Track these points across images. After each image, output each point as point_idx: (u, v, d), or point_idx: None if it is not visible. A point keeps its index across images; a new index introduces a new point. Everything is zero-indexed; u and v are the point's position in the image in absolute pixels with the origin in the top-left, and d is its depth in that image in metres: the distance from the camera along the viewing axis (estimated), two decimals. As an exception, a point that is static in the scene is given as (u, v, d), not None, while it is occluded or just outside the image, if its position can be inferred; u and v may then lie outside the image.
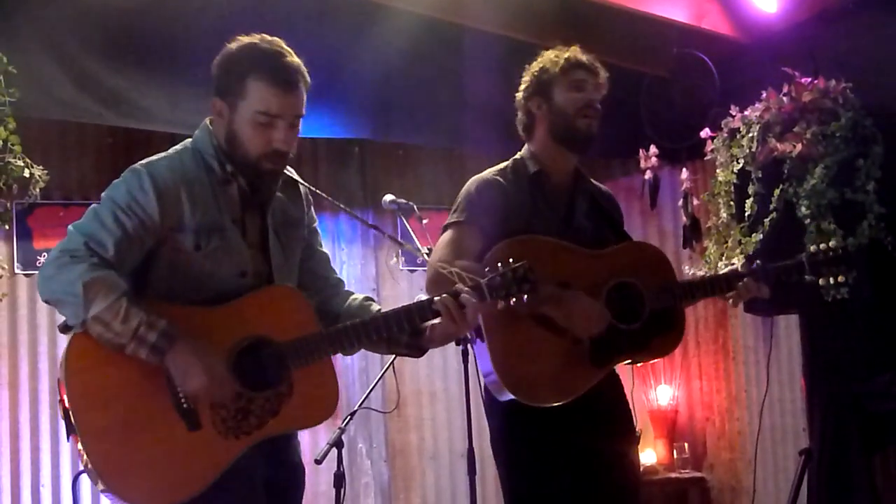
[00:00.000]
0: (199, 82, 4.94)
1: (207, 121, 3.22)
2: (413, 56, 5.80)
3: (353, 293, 3.46)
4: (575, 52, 3.93)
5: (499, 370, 3.63)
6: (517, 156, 3.98)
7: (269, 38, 3.14)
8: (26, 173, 4.66)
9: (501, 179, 3.86)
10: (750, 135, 5.58)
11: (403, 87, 6.13)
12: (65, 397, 2.91)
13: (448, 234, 3.78)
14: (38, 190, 4.77)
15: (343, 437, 4.38)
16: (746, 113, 5.65)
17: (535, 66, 3.95)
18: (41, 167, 4.75)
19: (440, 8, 5.57)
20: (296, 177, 3.38)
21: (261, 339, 3.08)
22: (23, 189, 4.72)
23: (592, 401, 3.71)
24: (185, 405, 2.94)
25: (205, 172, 3.14)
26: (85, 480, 6.14)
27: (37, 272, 6.09)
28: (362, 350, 3.33)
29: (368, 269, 7.12)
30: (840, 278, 3.98)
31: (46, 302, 3.04)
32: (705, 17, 6.16)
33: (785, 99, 5.49)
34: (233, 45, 3.14)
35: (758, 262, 3.96)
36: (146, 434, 2.92)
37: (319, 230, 3.53)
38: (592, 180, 4.09)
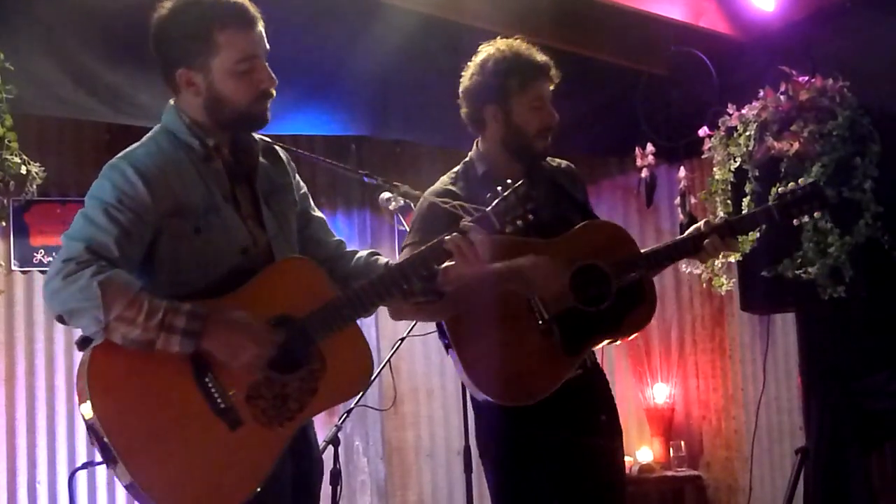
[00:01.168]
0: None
1: (171, 101, 3.13)
2: (411, 54, 5.80)
3: (356, 251, 3.35)
4: (531, 54, 3.84)
5: (473, 378, 3.65)
6: (467, 157, 3.95)
7: None
8: (23, 170, 4.64)
9: (452, 187, 3.83)
10: (747, 133, 5.59)
11: (401, 85, 6.12)
12: (96, 424, 2.73)
13: (405, 255, 3.75)
14: (34, 187, 4.75)
15: (339, 434, 4.38)
16: (744, 111, 5.65)
17: (489, 64, 3.84)
18: (38, 164, 4.74)
19: (439, 6, 5.56)
20: (268, 140, 3.26)
21: (281, 319, 2.94)
22: (20, 186, 4.70)
23: (577, 396, 3.72)
24: (221, 405, 2.82)
25: (184, 152, 3.02)
26: (81, 477, 6.15)
27: (34, 269, 6.21)
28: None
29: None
30: (816, 214, 3.86)
31: (59, 319, 2.82)
32: (703, 15, 6.16)
33: (782, 97, 5.49)
34: (166, 11, 3.01)
35: (721, 216, 3.92)
36: (189, 444, 2.80)
37: (309, 194, 3.38)
38: (547, 160, 4.01)
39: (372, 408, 6.09)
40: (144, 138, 3.10)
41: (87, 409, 2.76)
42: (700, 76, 6.36)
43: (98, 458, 5.99)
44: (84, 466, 6.11)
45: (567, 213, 3.91)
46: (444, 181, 3.89)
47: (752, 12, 6.06)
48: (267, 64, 3.03)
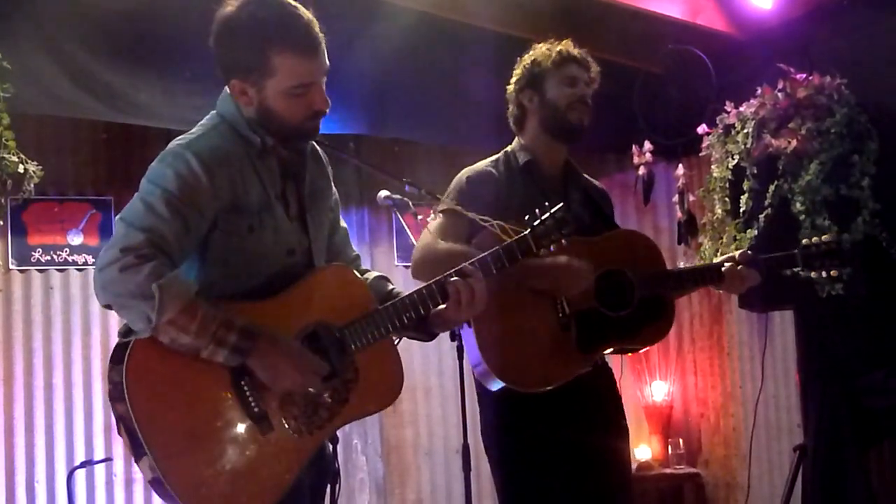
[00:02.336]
0: (195, 78, 4.92)
1: (228, 90, 2.97)
2: (409, 52, 5.79)
3: (368, 269, 3.33)
4: (567, 45, 3.93)
5: (486, 356, 3.63)
6: (508, 148, 3.99)
7: None
8: (21, 169, 4.64)
9: (493, 170, 3.88)
10: (745, 131, 5.59)
11: (400, 83, 6.11)
12: (128, 417, 2.68)
13: (436, 221, 3.78)
14: (32, 186, 4.75)
15: (338, 432, 4.37)
16: (741, 109, 5.66)
17: (527, 59, 3.95)
18: (36, 163, 4.73)
19: (437, 4, 5.57)
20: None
21: (320, 326, 2.93)
22: (17, 185, 4.69)
23: (583, 394, 3.73)
24: (255, 409, 2.80)
25: (241, 146, 2.92)
26: (80, 476, 6.15)
27: (32, 268, 6.20)
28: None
29: (363, 265, 7.11)
30: (833, 273, 3.99)
31: (107, 306, 2.75)
32: (701, 13, 6.16)
33: (780, 95, 5.49)
34: (229, 14, 2.88)
35: (748, 251, 3.97)
36: (221, 445, 2.77)
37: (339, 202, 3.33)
38: (584, 174, 4.09)
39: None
40: (203, 126, 2.97)
41: (120, 401, 2.71)
42: (698, 74, 6.36)
43: (96, 457, 6.01)
44: (82, 465, 6.12)
45: (597, 222, 3.95)
46: (483, 163, 3.94)
47: (750, 10, 6.07)
48: (325, 82, 2.97)
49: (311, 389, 2.87)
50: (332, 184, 3.26)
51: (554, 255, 3.52)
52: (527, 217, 3.18)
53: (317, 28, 2.91)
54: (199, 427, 2.76)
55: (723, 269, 3.88)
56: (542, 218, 3.15)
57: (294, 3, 2.91)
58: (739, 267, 3.87)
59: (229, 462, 2.78)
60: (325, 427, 2.93)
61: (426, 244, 3.68)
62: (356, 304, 3.03)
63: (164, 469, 2.68)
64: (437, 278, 3.08)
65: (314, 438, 2.92)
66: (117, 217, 2.80)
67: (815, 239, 3.99)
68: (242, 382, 2.80)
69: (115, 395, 2.72)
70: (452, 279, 3.05)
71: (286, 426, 2.85)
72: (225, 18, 2.89)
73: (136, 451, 2.71)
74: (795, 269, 4.06)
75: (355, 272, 3.17)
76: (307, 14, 2.91)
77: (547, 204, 3.19)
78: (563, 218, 3.15)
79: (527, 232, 3.14)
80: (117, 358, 2.74)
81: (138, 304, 2.65)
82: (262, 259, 2.93)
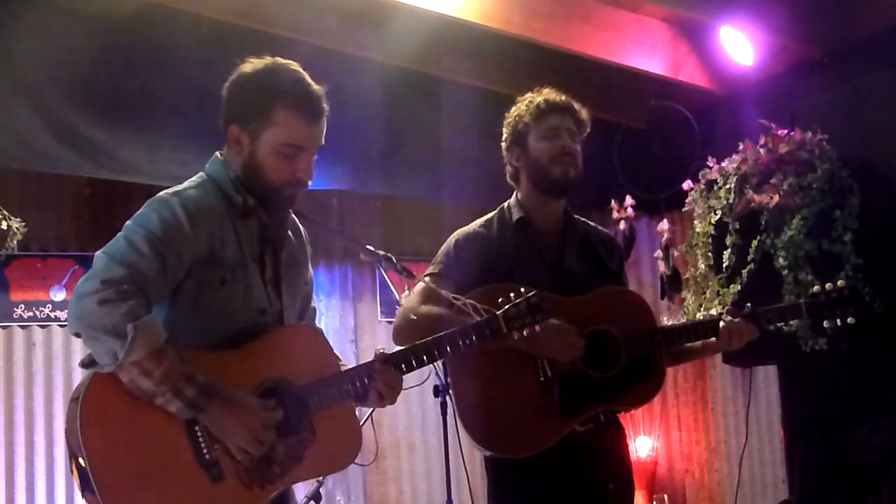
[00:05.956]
0: (177, 134, 4.91)
1: (218, 154, 3.11)
2: (391, 107, 5.83)
3: None
4: (547, 95, 3.88)
5: (467, 426, 3.61)
6: (504, 204, 3.95)
7: (285, 62, 3.08)
8: (4, 225, 4.64)
9: (484, 231, 3.83)
10: (727, 186, 5.61)
11: (382, 139, 6.14)
12: (80, 452, 2.69)
13: (422, 284, 3.75)
14: (15, 242, 4.74)
15: (321, 490, 4.35)
16: (723, 164, 5.67)
17: (511, 116, 3.91)
18: (19, 219, 4.73)
19: (418, 60, 5.60)
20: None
21: (281, 382, 2.95)
22: (0, 241, 4.68)
23: (581, 451, 3.65)
24: (206, 456, 2.80)
25: (225, 205, 3.01)
26: (61, 534, 6.10)
27: (14, 324, 6.15)
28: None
29: (347, 320, 7.10)
30: (850, 320, 3.72)
31: (76, 335, 2.79)
32: (682, 69, 6.20)
33: (762, 150, 5.52)
34: (248, 69, 3.06)
35: (748, 305, 3.84)
36: (169, 489, 2.76)
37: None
38: (589, 222, 4.04)
39: (354, 462, 6.04)
40: (192, 182, 3.07)
41: (74, 436, 2.72)
42: (681, 129, 6.40)
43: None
44: (63, 523, 6.08)
45: (593, 273, 3.87)
46: (475, 224, 3.90)
47: (732, 66, 6.10)
48: (315, 158, 3.09)
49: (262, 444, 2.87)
50: (310, 262, 3.33)
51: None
52: (500, 300, 3.22)
53: (324, 102, 3.06)
54: (150, 470, 2.76)
55: (720, 323, 3.72)
56: (516, 301, 3.20)
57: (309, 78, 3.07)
58: (738, 319, 3.71)
59: None
60: (275, 482, 2.92)
61: (408, 307, 3.65)
62: (322, 366, 3.06)
63: None
64: (359, 367, 3.11)
65: (264, 493, 2.90)
66: (99, 251, 2.87)
67: (827, 286, 3.78)
68: (196, 428, 2.82)
69: (70, 432, 2.74)
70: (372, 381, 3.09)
71: (237, 477, 2.85)
72: (243, 70, 3.07)
73: (85, 485, 2.72)
74: (799, 319, 3.95)
75: (324, 336, 3.21)
76: (319, 88, 3.07)
77: (523, 290, 3.22)
78: (537, 305, 3.21)
79: (498, 312, 3.19)
80: (78, 391, 2.77)
81: (109, 339, 2.70)
82: (230, 314, 2.98)
